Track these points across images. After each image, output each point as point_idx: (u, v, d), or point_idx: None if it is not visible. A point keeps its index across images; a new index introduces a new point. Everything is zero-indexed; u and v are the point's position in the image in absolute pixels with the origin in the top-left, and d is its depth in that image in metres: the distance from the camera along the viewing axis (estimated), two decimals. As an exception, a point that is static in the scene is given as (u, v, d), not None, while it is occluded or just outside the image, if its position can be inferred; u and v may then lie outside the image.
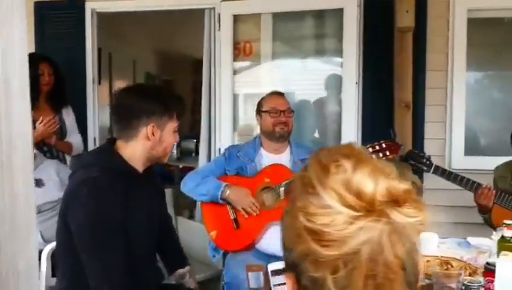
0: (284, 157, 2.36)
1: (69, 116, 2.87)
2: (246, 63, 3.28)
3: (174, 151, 5.26)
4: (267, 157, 2.36)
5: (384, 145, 2.13)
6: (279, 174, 2.26)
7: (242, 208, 2.22)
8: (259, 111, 2.42)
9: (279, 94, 2.46)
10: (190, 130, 5.84)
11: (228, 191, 2.22)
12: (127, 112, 1.53)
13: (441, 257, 1.73)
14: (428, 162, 2.43)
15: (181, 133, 1.68)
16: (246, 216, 2.24)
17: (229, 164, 2.38)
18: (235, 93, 3.16)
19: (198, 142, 5.21)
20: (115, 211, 1.41)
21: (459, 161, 2.73)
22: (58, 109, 2.80)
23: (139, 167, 1.54)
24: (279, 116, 2.33)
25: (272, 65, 3.32)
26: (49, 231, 2.40)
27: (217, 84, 3.12)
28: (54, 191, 2.45)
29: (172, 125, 1.57)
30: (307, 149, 2.45)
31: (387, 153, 2.13)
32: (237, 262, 2.15)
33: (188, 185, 2.35)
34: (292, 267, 0.64)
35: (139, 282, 1.45)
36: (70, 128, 2.81)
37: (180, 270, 1.81)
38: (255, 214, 2.23)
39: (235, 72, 3.15)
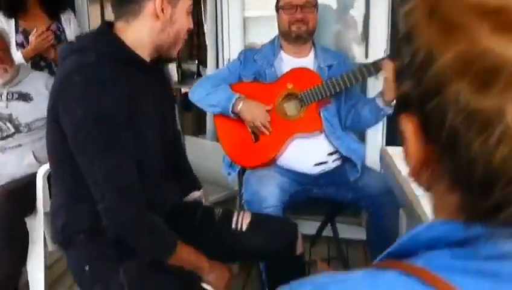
0: (308, 62, 2.04)
1: (69, 24, 2.51)
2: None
3: (175, 74, 4.91)
4: (288, 62, 2.04)
5: None
6: (305, 80, 1.96)
7: (254, 126, 1.94)
8: (277, 7, 2.06)
9: None
10: (190, 56, 5.44)
11: (240, 105, 1.93)
12: None
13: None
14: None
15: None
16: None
17: (244, 69, 2.07)
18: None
19: (200, 63, 4.86)
20: (119, 103, 1.11)
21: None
22: (55, 15, 2.44)
23: (145, 55, 1.23)
24: (295, 13, 1.96)
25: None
26: (42, 152, 2.15)
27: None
28: (44, 106, 2.14)
29: (185, 2, 1.24)
30: (336, 54, 2.12)
31: None
32: (258, 178, 1.90)
33: (198, 94, 2.05)
34: (419, 105, 0.39)
35: (151, 201, 1.18)
36: (71, 38, 2.46)
37: (195, 193, 1.57)
38: (267, 133, 1.95)
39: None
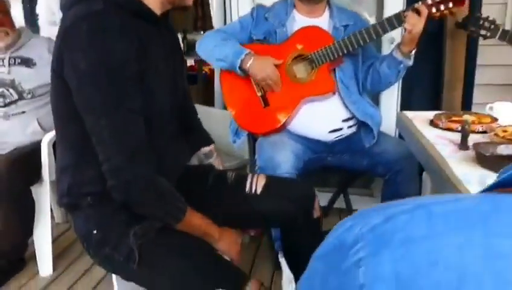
0: (322, 23, 1.92)
1: None
2: None
3: (180, 44, 4.81)
4: (300, 22, 1.92)
5: None
6: (315, 39, 1.85)
7: (265, 84, 1.84)
8: None
9: None
10: (194, 27, 5.30)
11: (250, 61, 1.81)
12: None
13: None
14: (493, 26, 2.02)
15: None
16: (273, 91, 1.87)
17: (255, 27, 1.95)
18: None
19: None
20: (129, 55, 1.01)
21: (522, 29, 2.29)
22: None
23: (157, 8, 1.13)
24: None
25: None
26: (46, 119, 2.09)
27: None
28: (47, 71, 2.06)
29: None
30: (352, 14, 1.99)
31: (450, 4, 1.72)
32: (271, 144, 1.82)
33: (205, 45, 1.93)
34: None
35: (161, 163, 1.11)
36: None
37: (206, 148, 1.48)
38: (277, 90, 1.86)
39: None
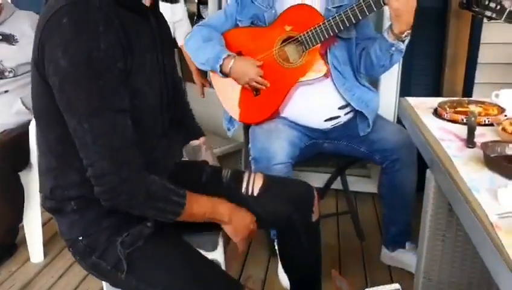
0: (315, 3, 1.79)
1: None
2: None
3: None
4: (291, 2, 1.79)
5: None
6: (304, 19, 1.73)
7: (248, 85, 1.78)
8: None
9: None
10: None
11: (230, 64, 1.75)
12: None
13: (541, 117, 1.32)
14: (499, 7, 1.92)
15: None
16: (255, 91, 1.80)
17: (241, 12, 1.85)
18: None
19: (200, 3, 4.57)
20: (114, 51, 0.93)
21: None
22: None
23: None
24: None
25: None
26: (30, 98, 1.99)
27: None
28: (30, 48, 1.97)
29: None
30: None
31: None
32: (265, 132, 1.75)
33: (190, 47, 1.88)
34: None
35: (150, 160, 1.04)
36: None
37: (194, 142, 1.41)
38: (264, 88, 1.78)
39: None
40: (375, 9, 1.62)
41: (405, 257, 1.91)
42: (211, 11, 2.48)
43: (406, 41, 1.66)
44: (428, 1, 2.30)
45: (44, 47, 0.94)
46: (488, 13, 1.95)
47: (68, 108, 0.94)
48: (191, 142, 1.42)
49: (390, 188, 1.84)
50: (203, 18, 4.34)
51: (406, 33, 1.63)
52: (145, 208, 1.02)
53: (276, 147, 1.67)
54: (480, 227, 0.84)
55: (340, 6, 1.77)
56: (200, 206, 1.10)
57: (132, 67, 0.98)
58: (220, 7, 2.50)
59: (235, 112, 1.90)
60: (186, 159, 1.41)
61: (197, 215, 1.09)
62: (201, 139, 1.44)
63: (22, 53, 1.96)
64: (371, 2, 1.61)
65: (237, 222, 1.16)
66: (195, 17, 4.32)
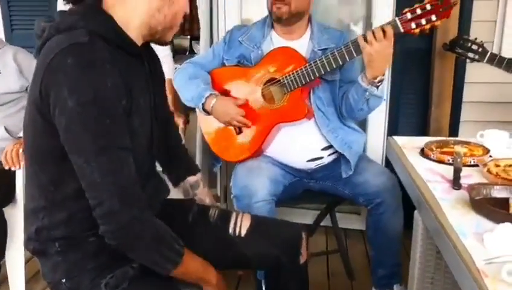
0: (302, 44, 1.82)
1: None
2: None
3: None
4: (278, 43, 1.82)
5: (428, 7, 1.54)
6: (287, 61, 1.75)
7: (229, 124, 1.79)
8: None
9: None
10: (182, 31, 5.20)
11: (212, 103, 1.76)
12: None
13: (525, 160, 1.34)
14: (481, 49, 1.98)
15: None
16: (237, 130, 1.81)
17: (228, 52, 1.88)
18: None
19: (192, 39, 4.65)
20: (118, 91, 0.94)
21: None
22: None
23: (137, 39, 1.06)
24: None
25: None
26: (13, 126, 2.01)
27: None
28: (14, 79, 2.00)
29: None
30: (336, 34, 1.87)
31: (433, 17, 1.55)
32: (247, 170, 1.75)
33: (177, 84, 1.90)
34: None
35: None
36: None
37: (191, 179, 1.39)
38: (246, 126, 1.79)
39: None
40: (355, 55, 1.64)
41: (392, 300, 1.89)
42: (202, 47, 2.52)
43: (380, 87, 1.66)
44: (414, 42, 2.37)
45: (48, 89, 0.94)
46: (471, 55, 2.02)
47: (75, 147, 0.94)
48: (188, 178, 1.40)
49: (376, 231, 1.82)
50: (195, 53, 4.41)
51: (379, 78, 1.63)
52: (150, 250, 1.01)
53: (257, 184, 1.66)
54: (467, 273, 0.84)
55: (326, 48, 1.79)
56: (196, 262, 1.10)
57: (131, 108, 0.99)
58: (211, 43, 2.54)
59: (217, 150, 1.90)
60: (181, 195, 1.40)
61: (191, 270, 1.08)
62: (198, 175, 1.43)
63: (5, 83, 1.98)
64: (351, 47, 1.63)
65: (221, 285, 1.15)
66: (187, 52, 4.41)
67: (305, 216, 2.50)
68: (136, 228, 0.96)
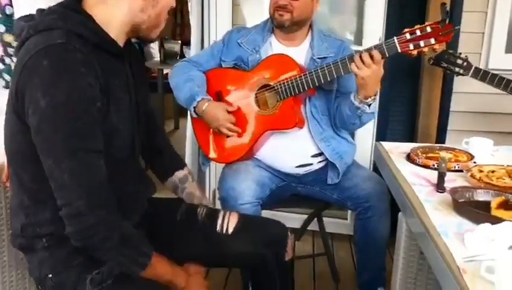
0: (301, 52, 1.83)
1: None
2: None
3: (157, 53, 4.71)
4: (277, 49, 1.83)
5: (429, 30, 1.54)
6: (283, 69, 1.75)
7: (218, 130, 1.79)
8: None
9: None
10: (173, 36, 5.22)
11: (203, 108, 1.76)
12: None
13: (507, 166, 1.38)
14: (466, 63, 2.03)
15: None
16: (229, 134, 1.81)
17: (226, 53, 1.88)
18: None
19: (183, 44, 4.67)
20: (92, 92, 0.95)
21: (499, 60, 2.32)
22: None
23: (119, 38, 1.06)
24: None
25: None
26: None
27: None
28: None
29: None
30: (336, 43, 1.86)
31: (433, 41, 1.55)
32: (234, 173, 1.76)
33: (172, 82, 1.89)
34: None
35: (122, 196, 1.05)
36: None
37: (180, 173, 1.39)
38: (236, 132, 1.80)
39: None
40: (349, 70, 1.62)
41: (375, 304, 1.91)
42: (193, 52, 2.53)
43: (373, 105, 1.68)
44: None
45: (23, 89, 0.94)
46: (456, 69, 2.06)
47: (44, 148, 0.95)
48: (176, 173, 1.40)
49: (363, 235, 1.83)
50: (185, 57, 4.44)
51: (371, 98, 1.65)
52: (116, 253, 1.02)
53: (243, 187, 1.67)
54: (447, 271, 0.86)
55: (325, 57, 1.79)
56: (164, 265, 1.10)
57: (109, 108, 1.00)
58: (202, 48, 2.56)
59: (207, 151, 1.91)
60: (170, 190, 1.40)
61: (159, 273, 1.09)
62: (186, 169, 1.43)
63: None
64: (347, 62, 1.62)
65: (194, 286, 1.16)
66: (177, 57, 4.42)
67: (292, 220, 2.51)
68: (102, 230, 0.97)
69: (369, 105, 1.67)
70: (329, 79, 1.67)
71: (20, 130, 0.98)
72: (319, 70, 1.67)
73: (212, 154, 1.90)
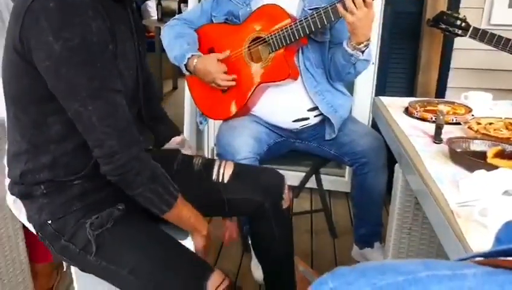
0: (292, 3, 1.77)
1: None
2: None
3: (155, 12, 4.62)
4: (268, 1, 1.77)
5: None
6: (273, 20, 1.71)
7: (213, 83, 1.77)
8: None
9: None
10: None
11: (194, 63, 1.74)
12: None
13: (505, 118, 1.37)
14: (464, 24, 1.99)
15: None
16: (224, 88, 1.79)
17: (217, 8, 1.84)
18: None
19: (181, 1, 4.57)
20: (105, 37, 0.95)
21: (502, 15, 2.27)
22: None
23: None
24: None
25: None
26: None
27: None
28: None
29: None
30: None
31: None
32: (231, 129, 1.76)
33: (164, 40, 1.86)
34: None
35: None
36: None
37: (177, 138, 1.41)
38: (229, 85, 1.78)
39: None
40: (340, 16, 1.58)
41: (371, 256, 1.94)
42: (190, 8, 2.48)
43: (367, 50, 1.64)
44: (405, 6, 2.37)
45: (29, 32, 0.92)
46: (454, 30, 2.03)
47: (68, 92, 0.94)
48: (172, 139, 1.42)
49: (360, 190, 1.85)
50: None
51: (364, 44, 1.61)
52: (147, 188, 1.03)
53: (240, 142, 1.68)
54: (441, 215, 0.87)
55: (317, 8, 1.72)
56: (189, 209, 1.13)
57: (116, 52, 0.99)
58: (200, 4, 2.50)
59: (203, 108, 1.91)
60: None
61: (184, 217, 1.12)
62: (182, 136, 1.45)
63: None
64: (336, 7, 1.57)
65: (208, 237, 1.20)
66: (175, 15, 4.33)
67: (290, 178, 2.52)
68: (136, 166, 1.00)
69: (363, 52, 1.63)
70: (319, 26, 1.63)
71: (26, 72, 0.97)
72: (309, 18, 1.63)
73: (208, 111, 1.90)
